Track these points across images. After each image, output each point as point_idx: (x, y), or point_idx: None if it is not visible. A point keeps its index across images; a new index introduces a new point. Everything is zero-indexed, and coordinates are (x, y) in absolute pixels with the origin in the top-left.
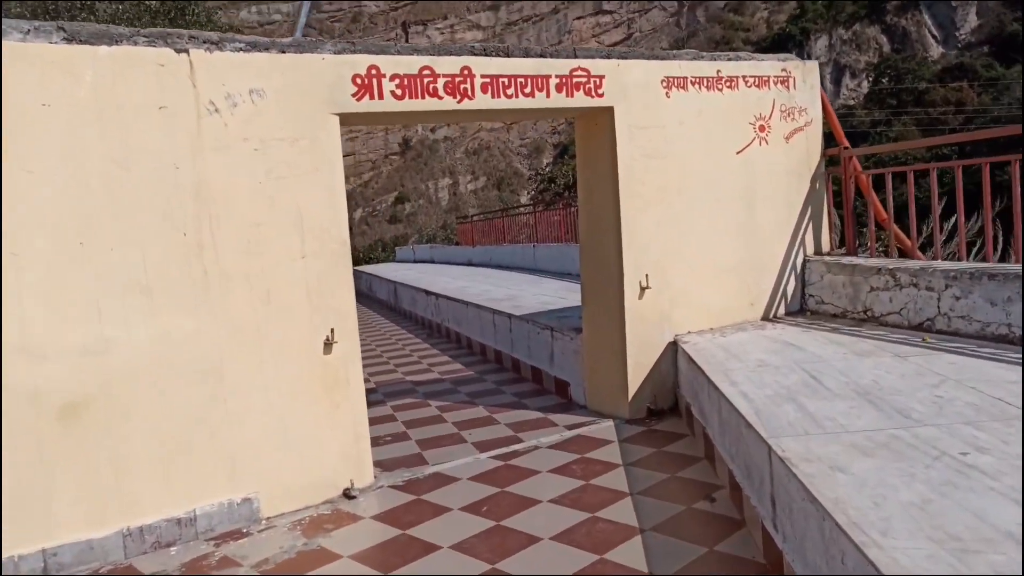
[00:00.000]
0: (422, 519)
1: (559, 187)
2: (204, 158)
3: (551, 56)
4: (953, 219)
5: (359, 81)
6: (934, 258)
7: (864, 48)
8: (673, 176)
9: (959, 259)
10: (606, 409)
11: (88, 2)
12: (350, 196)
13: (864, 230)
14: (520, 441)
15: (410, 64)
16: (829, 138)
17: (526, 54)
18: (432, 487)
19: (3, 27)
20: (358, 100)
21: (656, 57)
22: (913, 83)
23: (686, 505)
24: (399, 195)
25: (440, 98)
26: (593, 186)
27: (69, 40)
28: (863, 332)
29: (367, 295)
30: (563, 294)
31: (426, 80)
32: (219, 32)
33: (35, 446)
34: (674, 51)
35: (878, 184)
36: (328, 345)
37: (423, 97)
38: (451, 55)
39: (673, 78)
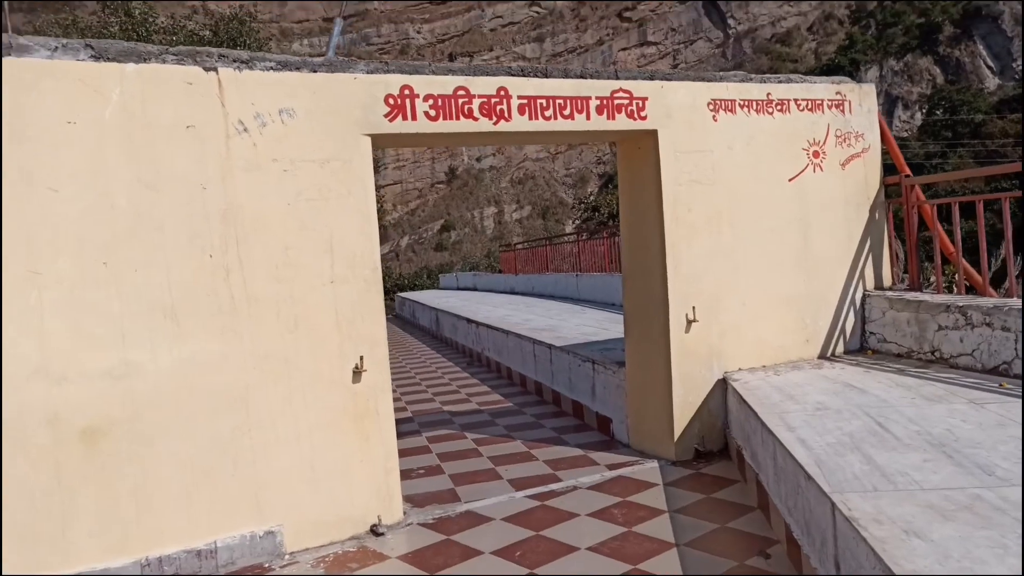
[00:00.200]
0: (451, 562)
1: (603, 216)
2: (232, 179)
3: (591, 77)
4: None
5: (392, 101)
6: (1008, 295)
7: (916, 79)
8: (722, 203)
9: None
10: (650, 449)
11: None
12: (397, 224)
13: (928, 264)
14: (558, 480)
15: (444, 84)
16: (888, 167)
17: (565, 75)
18: (464, 527)
19: (31, 44)
20: (391, 121)
21: (702, 79)
22: (969, 115)
23: (738, 561)
24: (445, 223)
25: (475, 119)
26: (637, 213)
27: (96, 58)
28: (931, 374)
29: (410, 322)
30: (606, 325)
31: (461, 101)
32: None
33: (53, 471)
34: (721, 72)
35: (941, 215)
36: (357, 373)
37: (458, 118)
38: (487, 75)
39: (720, 100)
